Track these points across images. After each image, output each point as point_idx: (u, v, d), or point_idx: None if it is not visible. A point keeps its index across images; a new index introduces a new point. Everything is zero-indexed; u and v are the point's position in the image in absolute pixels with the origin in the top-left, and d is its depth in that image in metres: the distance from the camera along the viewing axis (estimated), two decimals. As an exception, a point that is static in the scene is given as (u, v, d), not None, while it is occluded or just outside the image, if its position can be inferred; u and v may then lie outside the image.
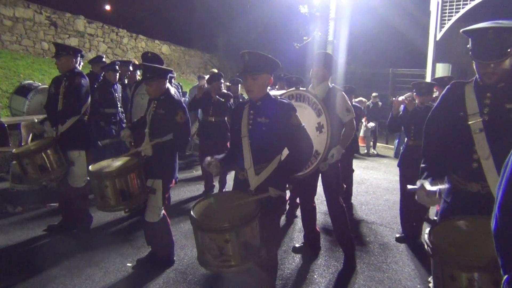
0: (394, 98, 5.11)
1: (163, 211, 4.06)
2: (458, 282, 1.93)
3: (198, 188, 7.25)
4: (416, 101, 4.98)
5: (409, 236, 5.14)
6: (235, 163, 3.24)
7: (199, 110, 7.97)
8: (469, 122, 2.47)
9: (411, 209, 5.04)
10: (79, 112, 4.78)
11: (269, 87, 3.21)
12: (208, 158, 3.15)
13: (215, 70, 8.42)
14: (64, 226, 4.92)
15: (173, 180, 4.17)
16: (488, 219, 2.14)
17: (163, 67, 4.16)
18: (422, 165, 2.69)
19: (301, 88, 4.45)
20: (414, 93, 5.04)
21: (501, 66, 2.35)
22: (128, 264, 4.20)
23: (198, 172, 8.41)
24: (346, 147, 4.29)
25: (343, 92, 4.38)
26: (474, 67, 2.48)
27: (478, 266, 1.87)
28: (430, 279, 2.21)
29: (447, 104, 2.67)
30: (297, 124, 3.01)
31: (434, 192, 2.43)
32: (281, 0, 18.47)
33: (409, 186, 2.59)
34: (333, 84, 4.45)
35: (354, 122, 4.39)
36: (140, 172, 3.81)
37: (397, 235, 5.28)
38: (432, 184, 2.46)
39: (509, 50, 2.31)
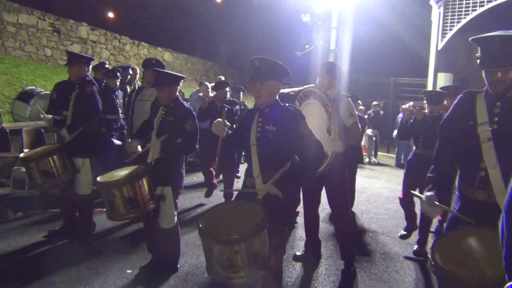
0: (404, 106, 5.08)
1: (176, 218, 4.07)
2: None
3: (199, 195, 7.24)
4: (426, 110, 4.96)
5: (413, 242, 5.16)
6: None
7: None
8: (478, 131, 2.48)
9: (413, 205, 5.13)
10: (98, 119, 4.99)
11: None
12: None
13: (222, 78, 8.42)
14: (65, 232, 4.91)
15: (181, 187, 4.18)
16: (492, 229, 2.15)
17: (176, 73, 4.17)
18: (429, 175, 2.72)
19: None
20: (424, 102, 5.04)
21: (508, 74, 2.38)
22: (128, 271, 4.18)
23: (199, 179, 8.40)
24: (345, 145, 4.36)
25: (349, 99, 4.43)
26: (483, 75, 2.50)
27: (482, 286, 1.87)
28: None
29: (459, 113, 2.70)
30: (306, 133, 2.98)
31: (437, 205, 2.52)
32: (283, 9, 18.55)
33: (412, 192, 2.64)
34: (338, 91, 4.48)
35: (359, 125, 4.42)
36: (148, 179, 3.79)
37: (402, 233, 5.40)
38: (435, 195, 2.56)
39: None
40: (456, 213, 2.56)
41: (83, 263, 4.29)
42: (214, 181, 6.98)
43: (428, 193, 2.56)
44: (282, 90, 4.01)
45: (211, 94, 7.61)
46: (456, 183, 2.73)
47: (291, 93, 4.09)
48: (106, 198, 3.67)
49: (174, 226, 4.06)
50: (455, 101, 2.76)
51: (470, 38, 2.53)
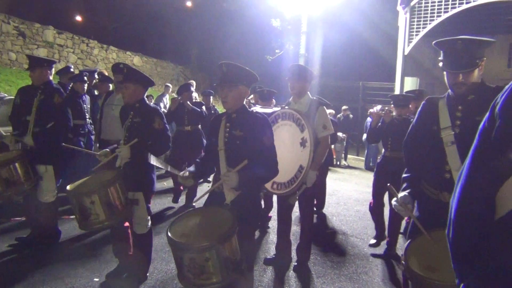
0: (372, 110, 5.16)
1: (149, 222, 3.99)
2: None
3: (169, 201, 7.15)
4: (394, 113, 5.06)
5: (382, 244, 5.23)
6: (206, 172, 3.28)
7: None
8: (442, 136, 2.55)
9: (382, 213, 5.15)
10: (69, 129, 4.96)
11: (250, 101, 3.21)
12: (182, 173, 3.12)
13: (193, 82, 8.46)
14: (32, 241, 4.76)
15: (153, 191, 4.11)
16: None
17: (146, 75, 4.10)
18: (404, 175, 2.81)
19: (285, 106, 4.43)
20: (392, 105, 5.13)
21: (470, 76, 2.46)
22: (95, 279, 4.08)
23: (169, 184, 8.32)
24: (319, 168, 4.25)
25: (324, 107, 4.41)
26: (445, 78, 2.56)
27: None
28: None
29: (423, 119, 2.79)
30: (268, 144, 2.98)
31: (408, 202, 2.61)
32: (253, 14, 18.65)
33: (390, 186, 2.72)
34: (315, 97, 4.47)
35: (329, 140, 4.39)
36: (121, 185, 3.69)
37: (371, 242, 5.38)
38: (409, 195, 2.65)
39: (477, 61, 2.42)
40: (416, 221, 2.58)
41: (48, 272, 4.17)
42: (181, 187, 6.96)
43: (402, 193, 2.65)
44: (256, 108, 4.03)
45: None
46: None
47: None
48: (78, 207, 3.52)
49: (148, 231, 3.98)
50: (419, 108, 2.83)
51: (433, 42, 2.60)
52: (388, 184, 2.78)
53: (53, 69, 4.89)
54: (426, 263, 2.14)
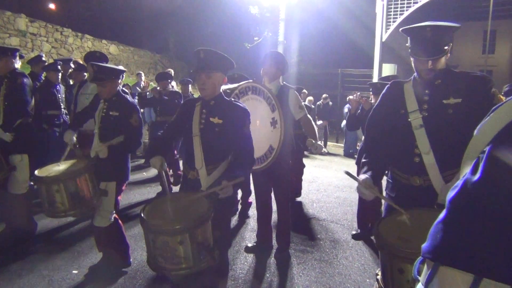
0: (351, 97, 5.17)
1: (114, 215, 3.93)
2: (405, 275, 1.97)
3: (148, 191, 7.10)
4: (373, 101, 5.07)
5: (365, 232, 5.25)
6: (167, 149, 3.25)
7: (151, 112, 8.03)
8: (410, 119, 2.55)
9: (367, 205, 5.15)
10: (27, 114, 4.65)
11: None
12: (152, 160, 3.06)
13: (171, 71, 8.36)
14: (8, 236, 4.65)
15: (125, 182, 4.05)
16: (427, 210, 2.23)
17: (117, 67, 4.02)
18: (363, 160, 2.76)
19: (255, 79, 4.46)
20: (371, 92, 5.15)
21: (438, 63, 2.46)
22: (74, 271, 4.02)
23: (148, 174, 8.25)
24: (316, 137, 4.43)
25: (295, 90, 4.44)
26: (413, 64, 2.57)
27: None
28: (378, 271, 2.25)
29: (388, 103, 2.75)
30: (247, 134, 2.99)
31: (370, 183, 2.51)
32: (231, 1, 18.48)
33: (348, 172, 2.62)
34: (284, 82, 4.48)
35: (310, 117, 4.46)
36: (91, 174, 3.66)
37: (353, 232, 5.39)
38: (370, 178, 2.56)
39: (445, 47, 2.43)
40: (387, 200, 2.63)
41: (25, 266, 4.09)
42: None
43: (363, 176, 2.58)
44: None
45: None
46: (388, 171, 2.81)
47: (227, 90, 4.05)
48: (46, 194, 3.50)
49: (112, 224, 3.88)
50: (383, 92, 2.82)
51: (400, 29, 2.60)
52: (345, 171, 2.71)
53: (18, 57, 4.76)
54: (398, 234, 2.14)
